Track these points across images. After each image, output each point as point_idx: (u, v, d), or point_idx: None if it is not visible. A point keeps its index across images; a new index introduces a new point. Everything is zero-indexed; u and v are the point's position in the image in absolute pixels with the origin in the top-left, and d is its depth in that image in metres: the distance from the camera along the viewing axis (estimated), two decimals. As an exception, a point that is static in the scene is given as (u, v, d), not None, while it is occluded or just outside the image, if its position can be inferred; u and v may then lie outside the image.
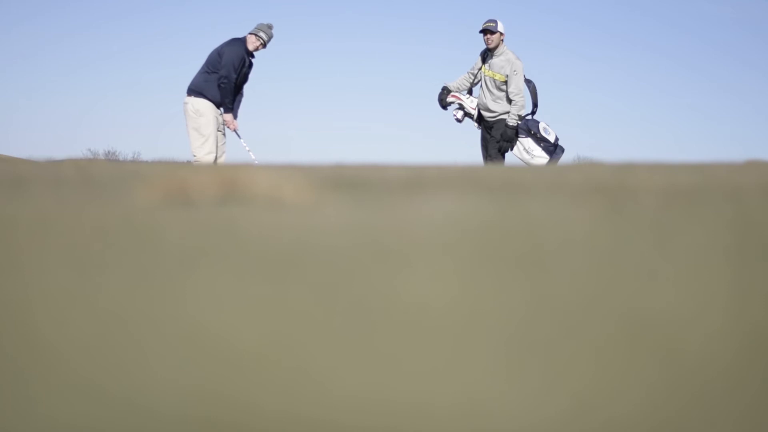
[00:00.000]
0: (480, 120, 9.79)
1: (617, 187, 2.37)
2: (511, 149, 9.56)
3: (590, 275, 1.00)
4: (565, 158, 9.68)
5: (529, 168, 3.34)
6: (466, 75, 9.92)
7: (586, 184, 2.48)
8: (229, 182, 1.87)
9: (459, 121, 9.82)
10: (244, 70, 9.60)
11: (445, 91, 9.96)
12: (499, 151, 9.57)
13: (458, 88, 9.93)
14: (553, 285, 0.94)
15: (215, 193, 1.86)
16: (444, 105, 9.97)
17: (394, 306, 0.84)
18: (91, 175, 3.01)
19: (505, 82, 9.51)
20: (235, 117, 9.70)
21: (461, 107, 9.88)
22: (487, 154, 9.69)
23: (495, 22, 9.67)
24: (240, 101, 9.75)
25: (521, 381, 0.66)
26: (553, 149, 9.66)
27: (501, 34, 9.63)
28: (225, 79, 9.42)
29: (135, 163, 7.46)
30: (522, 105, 9.51)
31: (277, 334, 0.75)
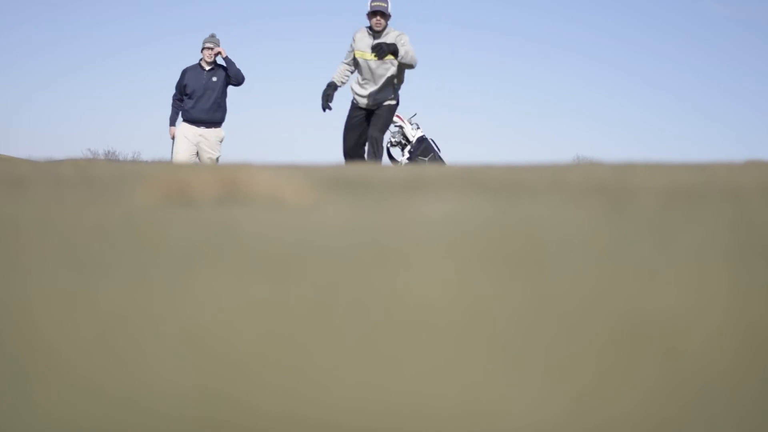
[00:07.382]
0: (354, 109, 8.96)
1: (617, 187, 2.37)
2: (380, 57, 8.62)
3: (590, 275, 1.00)
4: (566, 158, 9.60)
5: (529, 168, 3.34)
6: (344, 65, 9.15)
7: (586, 184, 2.48)
8: (229, 182, 1.87)
9: (402, 158, 9.57)
10: (195, 80, 10.45)
11: (332, 87, 9.10)
12: (375, 52, 8.51)
13: (342, 81, 9.16)
14: (553, 285, 0.94)
15: (215, 193, 1.86)
16: (327, 101, 9.00)
17: (395, 306, 0.84)
18: (91, 175, 3.01)
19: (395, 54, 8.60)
20: (214, 125, 10.55)
21: (402, 134, 9.58)
22: (365, 139, 8.85)
23: (386, 1, 8.91)
24: (215, 108, 10.44)
25: (521, 381, 0.66)
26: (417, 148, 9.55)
27: (390, 16, 8.91)
28: (173, 98, 10.73)
29: (135, 163, 7.49)
30: (413, 56, 8.63)
31: (277, 334, 0.75)
